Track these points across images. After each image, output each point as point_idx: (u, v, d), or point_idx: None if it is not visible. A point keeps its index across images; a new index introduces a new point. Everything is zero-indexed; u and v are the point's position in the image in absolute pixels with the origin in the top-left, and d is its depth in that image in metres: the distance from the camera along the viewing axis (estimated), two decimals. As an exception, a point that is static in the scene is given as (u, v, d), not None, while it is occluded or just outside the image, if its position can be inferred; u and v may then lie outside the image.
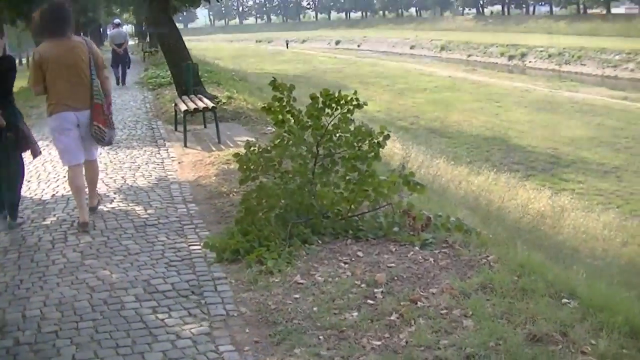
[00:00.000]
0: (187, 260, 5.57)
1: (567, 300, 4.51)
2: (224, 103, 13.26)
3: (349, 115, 5.99)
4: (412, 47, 65.18)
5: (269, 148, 6.11)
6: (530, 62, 48.50)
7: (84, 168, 6.73)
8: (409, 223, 5.95)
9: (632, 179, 17.02)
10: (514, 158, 19.31)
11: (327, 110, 5.98)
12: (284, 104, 6.10)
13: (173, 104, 12.56)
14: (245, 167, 6.00)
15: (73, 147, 6.54)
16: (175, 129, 11.79)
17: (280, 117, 6.15)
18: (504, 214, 11.13)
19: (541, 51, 48.54)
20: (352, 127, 6.09)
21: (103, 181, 8.22)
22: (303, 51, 66.28)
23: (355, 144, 6.09)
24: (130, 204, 7.27)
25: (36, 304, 4.76)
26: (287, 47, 73.52)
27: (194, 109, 10.55)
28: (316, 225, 5.92)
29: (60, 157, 6.81)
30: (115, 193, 7.77)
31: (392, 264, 5.19)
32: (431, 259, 5.30)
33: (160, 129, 11.95)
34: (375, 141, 6.12)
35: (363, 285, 4.80)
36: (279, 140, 6.01)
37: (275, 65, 46.65)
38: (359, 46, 73.38)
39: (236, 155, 6.13)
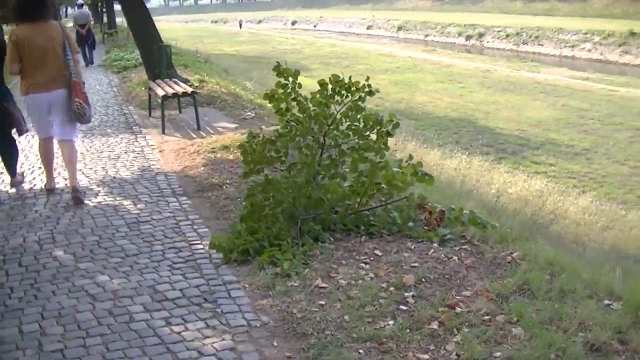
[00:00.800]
0: (191, 261, 5.14)
1: (608, 302, 4.23)
2: (196, 87, 12.71)
3: (359, 103, 5.60)
4: (369, 27, 64.71)
5: (273, 138, 5.69)
6: (488, 42, 48.47)
7: (60, 148, 7.01)
8: (425, 217, 5.62)
9: (602, 161, 16.96)
10: (483, 140, 19.11)
11: (336, 97, 5.58)
12: (289, 90, 5.68)
13: (144, 88, 12.03)
14: (250, 159, 5.57)
15: (45, 123, 6.89)
16: (149, 115, 11.24)
17: (284, 104, 5.74)
18: (496, 202, 10.87)
19: (499, 31, 48.54)
20: (358, 116, 5.71)
21: (83, 172, 7.72)
22: (260, 31, 65.42)
23: (363, 133, 5.72)
24: (117, 198, 6.78)
25: (33, 317, 4.29)
26: (241, 28, 72.38)
27: (173, 93, 10.01)
28: (326, 221, 5.54)
29: (34, 129, 7.26)
30: (98, 186, 7.25)
31: (416, 264, 4.84)
32: (455, 257, 4.97)
33: (133, 115, 11.38)
34: (384, 130, 5.75)
35: (391, 289, 4.45)
36: (287, 129, 5.59)
37: (234, 46, 45.88)
38: (315, 26, 72.64)
39: (241, 146, 5.67)
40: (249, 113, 10.96)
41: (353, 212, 5.67)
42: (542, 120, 21.50)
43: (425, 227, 5.57)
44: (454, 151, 16.14)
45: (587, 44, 40.19)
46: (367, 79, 5.59)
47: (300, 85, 5.72)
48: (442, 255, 5.02)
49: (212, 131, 9.81)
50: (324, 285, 4.55)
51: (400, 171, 5.61)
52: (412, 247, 5.20)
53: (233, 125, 10.13)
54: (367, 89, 5.54)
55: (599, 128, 20.39)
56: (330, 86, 5.56)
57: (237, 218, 5.91)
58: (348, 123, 5.77)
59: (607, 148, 17.88)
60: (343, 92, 5.56)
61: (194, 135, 9.60)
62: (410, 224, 5.55)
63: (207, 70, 17.05)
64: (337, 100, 5.59)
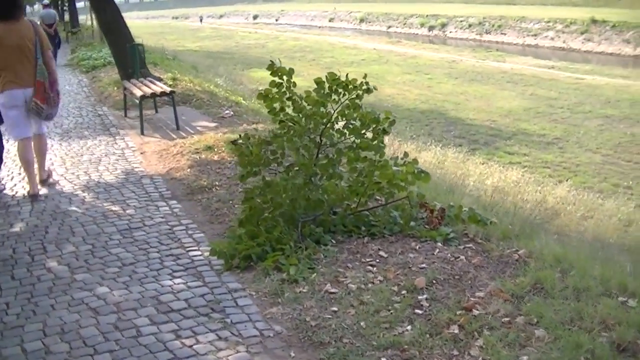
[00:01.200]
0: (191, 269, 4.98)
1: (623, 299, 4.18)
2: (170, 85, 12.44)
3: (357, 101, 5.48)
4: (331, 20, 64.52)
5: (268, 139, 5.54)
6: (450, 32, 48.63)
7: (34, 141, 7.12)
8: (426, 216, 5.52)
9: (575, 149, 17.08)
10: (455, 132, 19.13)
11: (333, 96, 5.45)
12: (284, 89, 5.54)
13: (116, 88, 11.75)
14: (247, 161, 5.41)
15: (21, 122, 6.96)
16: (125, 115, 10.97)
17: (277, 104, 5.59)
18: (491, 197, 10.86)
19: (461, 21, 48.73)
20: (355, 114, 5.59)
21: (65, 177, 7.50)
22: (222, 27, 64.73)
23: (360, 131, 5.60)
24: (104, 204, 6.56)
25: (34, 334, 4.09)
26: (201, 22, 71.53)
27: (151, 93, 9.77)
28: (326, 223, 5.42)
29: (9, 131, 7.21)
30: (83, 191, 7.02)
31: (423, 265, 4.75)
32: (462, 257, 4.89)
33: (108, 116, 11.09)
34: (381, 128, 5.64)
35: (404, 292, 4.35)
36: (285, 130, 5.44)
37: (197, 42, 45.33)
38: (277, 20, 72.20)
39: (237, 149, 5.52)
40: (227, 111, 10.77)
41: (352, 213, 5.56)
42: (512, 110, 21.61)
43: (426, 226, 5.49)
44: (427, 143, 16.10)
45: (550, 32, 40.55)
46: (365, 76, 5.48)
47: (295, 84, 5.58)
48: (449, 255, 4.93)
49: (192, 131, 9.61)
50: (333, 290, 4.43)
51: (399, 170, 5.51)
52: (417, 247, 5.10)
53: (212, 124, 9.94)
54: (364, 87, 5.42)
55: (569, 117, 20.54)
56: (327, 84, 5.42)
57: (233, 222, 5.79)
58: (344, 122, 5.65)
59: (579, 137, 18.01)
60: (340, 90, 5.43)
61: (174, 136, 9.39)
62: (412, 223, 5.46)
63: (176, 68, 16.75)
64: (334, 99, 5.46)
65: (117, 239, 5.63)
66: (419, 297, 4.28)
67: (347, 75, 5.48)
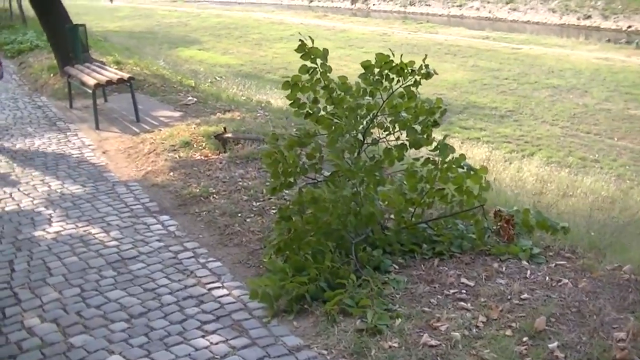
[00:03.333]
0: (224, 317, 3.78)
1: None
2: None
3: (413, 88, 4.38)
4: (250, -5, 62.73)
5: (302, 139, 4.38)
6: (374, 4, 47.67)
7: None
8: (499, 227, 4.50)
9: (531, 122, 16.54)
10: (405, 107, 18.24)
11: (384, 83, 4.34)
12: (318, 76, 4.39)
13: (53, 75, 10.29)
14: (281, 170, 4.24)
15: None
16: (70, 106, 9.46)
17: (308, 94, 4.45)
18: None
19: (384, -8, 47.97)
20: (412, 104, 4.51)
21: (19, 189, 6.08)
22: (140, 5, 61.84)
23: (412, 125, 4.52)
24: (78, 224, 5.21)
25: None
26: (112, 2, 68.00)
27: (107, 81, 8.34)
28: (379, 242, 4.32)
29: None
30: (47, 207, 5.61)
31: (525, 295, 3.74)
32: (564, 280, 3.91)
33: (50, 107, 9.51)
34: (431, 120, 4.58)
35: (524, 339, 3.32)
36: (332, 129, 4.28)
37: (116, 22, 42.75)
38: (195, -3, 69.76)
39: (269, 155, 4.30)
40: (189, 98, 9.44)
41: (406, 227, 4.48)
42: (457, 82, 20.95)
43: (496, 238, 4.48)
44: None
45: (475, 3, 40.18)
46: (425, 57, 4.38)
47: (330, 69, 4.44)
48: (546, 278, 3.95)
49: (155, 122, 8.25)
50: (433, 342, 3.34)
51: (464, 172, 4.45)
52: (502, 269, 4.09)
53: (177, 114, 8.61)
54: (424, 71, 4.33)
55: (517, 88, 20.02)
56: (376, 69, 4.30)
57: (254, 243, 4.63)
58: (386, 115, 4.56)
59: (532, 108, 17.50)
60: (392, 76, 4.31)
61: (136, 129, 8.02)
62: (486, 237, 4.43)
63: (113, 50, 15.16)
64: (385, 87, 4.35)
65: (110, 276, 4.33)
66: (549, 346, 3.25)
67: (401, 56, 4.37)
